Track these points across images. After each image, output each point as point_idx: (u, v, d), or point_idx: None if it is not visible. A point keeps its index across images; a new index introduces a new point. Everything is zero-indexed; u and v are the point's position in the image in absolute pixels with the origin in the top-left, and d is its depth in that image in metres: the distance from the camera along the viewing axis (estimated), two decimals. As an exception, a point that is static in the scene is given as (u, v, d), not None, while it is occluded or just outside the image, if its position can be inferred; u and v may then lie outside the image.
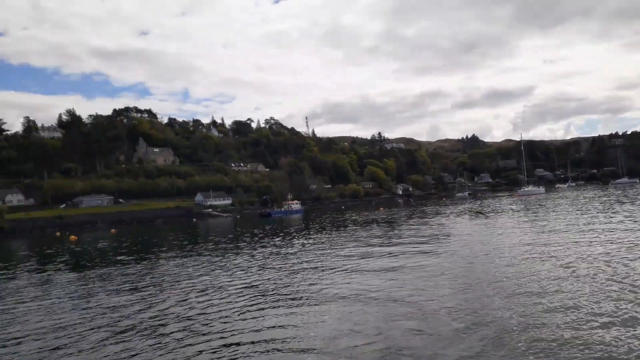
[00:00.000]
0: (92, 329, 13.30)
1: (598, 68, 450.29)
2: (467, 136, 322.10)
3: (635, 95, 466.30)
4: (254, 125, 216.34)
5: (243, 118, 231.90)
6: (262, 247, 33.43)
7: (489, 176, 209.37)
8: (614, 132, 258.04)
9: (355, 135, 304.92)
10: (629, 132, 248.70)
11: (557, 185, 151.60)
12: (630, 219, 32.31)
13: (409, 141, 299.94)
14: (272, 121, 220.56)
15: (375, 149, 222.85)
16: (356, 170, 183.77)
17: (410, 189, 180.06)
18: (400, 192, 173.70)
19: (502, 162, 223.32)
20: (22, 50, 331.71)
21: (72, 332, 13.15)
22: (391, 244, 28.37)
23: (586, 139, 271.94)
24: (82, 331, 13.11)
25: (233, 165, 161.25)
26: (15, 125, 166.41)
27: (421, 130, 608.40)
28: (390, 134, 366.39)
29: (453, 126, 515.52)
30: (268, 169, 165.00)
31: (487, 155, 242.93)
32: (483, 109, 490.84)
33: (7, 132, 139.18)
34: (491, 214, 49.82)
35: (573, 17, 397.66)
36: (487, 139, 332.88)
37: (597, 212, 40.33)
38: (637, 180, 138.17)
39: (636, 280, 13.84)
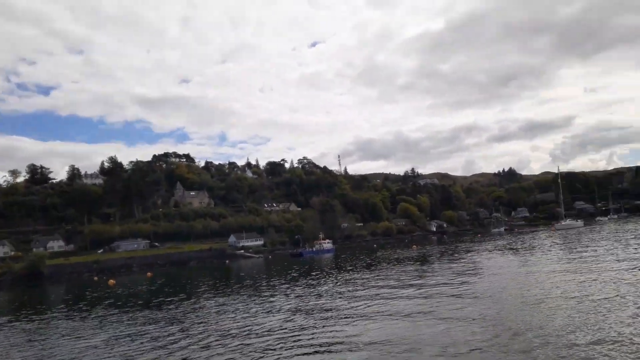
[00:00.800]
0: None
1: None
2: (503, 170, 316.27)
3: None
4: (287, 165, 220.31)
5: (277, 159, 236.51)
6: (290, 291, 33.88)
7: (527, 210, 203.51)
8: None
9: (388, 172, 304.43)
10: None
11: (598, 218, 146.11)
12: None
13: (443, 176, 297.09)
14: (304, 161, 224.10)
15: (408, 185, 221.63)
16: (388, 207, 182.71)
17: (445, 225, 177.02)
18: (434, 229, 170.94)
19: (539, 195, 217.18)
20: (71, 101, 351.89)
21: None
22: (422, 286, 28.40)
23: (630, 169, 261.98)
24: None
25: (266, 205, 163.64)
26: (60, 174, 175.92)
27: (456, 165, 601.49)
28: (424, 169, 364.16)
29: (489, 160, 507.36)
30: (300, 209, 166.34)
31: (524, 188, 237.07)
32: (520, 142, 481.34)
33: (52, 180, 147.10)
34: (524, 250, 48.82)
35: (615, 45, 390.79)
36: (524, 172, 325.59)
37: (631, 247, 38.98)
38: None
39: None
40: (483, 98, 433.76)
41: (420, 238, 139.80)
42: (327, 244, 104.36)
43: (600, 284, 21.25)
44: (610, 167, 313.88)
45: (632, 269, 25.46)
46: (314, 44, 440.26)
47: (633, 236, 53.52)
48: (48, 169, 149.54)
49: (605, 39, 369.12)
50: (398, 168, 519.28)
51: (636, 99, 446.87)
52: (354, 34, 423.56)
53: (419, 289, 26.31)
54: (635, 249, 37.74)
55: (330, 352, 14.32)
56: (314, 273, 46.26)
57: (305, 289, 32.71)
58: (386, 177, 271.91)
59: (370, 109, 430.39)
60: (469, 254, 51.27)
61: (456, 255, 52.35)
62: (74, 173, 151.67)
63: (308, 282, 37.02)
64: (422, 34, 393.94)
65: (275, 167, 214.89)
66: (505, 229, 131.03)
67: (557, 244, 55.07)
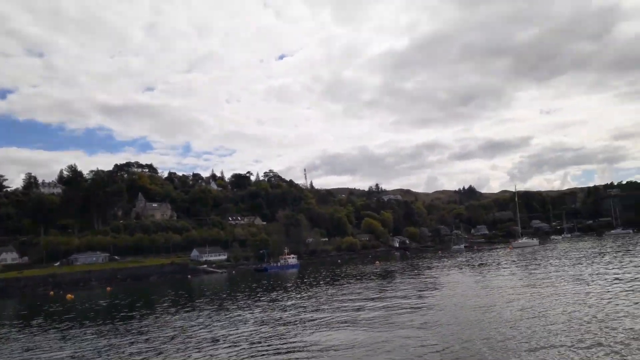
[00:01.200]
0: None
1: (594, 118, 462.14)
2: (464, 187, 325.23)
3: (631, 144, 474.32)
4: (253, 178, 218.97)
5: (243, 171, 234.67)
6: (255, 305, 34.23)
7: (486, 228, 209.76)
8: (609, 182, 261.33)
9: (353, 187, 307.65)
10: (624, 182, 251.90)
11: (552, 237, 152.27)
12: (610, 271, 33.47)
13: (406, 192, 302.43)
14: (271, 174, 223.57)
15: (372, 201, 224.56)
16: (353, 222, 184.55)
17: (407, 241, 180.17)
18: (397, 245, 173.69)
19: (498, 213, 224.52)
20: (29, 106, 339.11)
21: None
22: (383, 299, 29.39)
23: (582, 189, 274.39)
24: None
25: (230, 219, 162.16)
26: (16, 182, 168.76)
27: (419, 182, 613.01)
28: (388, 185, 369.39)
29: (450, 177, 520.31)
30: (265, 222, 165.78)
31: (484, 206, 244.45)
32: (480, 160, 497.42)
33: (7, 189, 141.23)
34: (482, 267, 50.82)
35: (568, 70, 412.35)
36: (484, 190, 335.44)
37: (581, 265, 41.43)
38: (631, 231, 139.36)
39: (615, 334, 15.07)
40: (445, 116, 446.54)
41: (384, 254, 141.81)
42: (292, 259, 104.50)
43: (548, 299, 22.76)
44: (565, 187, 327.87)
45: (578, 285, 27.28)
46: (281, 57, 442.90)
47: (583, 255, 56.59)
48: (2, 176, 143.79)
49: (559, 64, 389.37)
50: (363, 183, 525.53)
51: (588, 122, 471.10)
52: (321, 49, 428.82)
53: (380, 302, 27.29)
54: (585, 267, 40.11)
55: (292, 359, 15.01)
56: (278, 288, 46.63)
57: (270, 303, 33.16)
58: (351, 192, 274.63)
59: (337, 124, 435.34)
60: (430, 271, 52.89)
61: (417, 271, 53.86)
62: (31, 181, 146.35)
63: (272, 297, 37.44)
64: (387, 51, 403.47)
65: (240, 180, 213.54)
66: (465, 246, 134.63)
67: (513, 261, 57.52)
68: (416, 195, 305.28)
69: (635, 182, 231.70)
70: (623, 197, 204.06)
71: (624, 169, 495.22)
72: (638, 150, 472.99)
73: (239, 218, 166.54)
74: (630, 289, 23.99)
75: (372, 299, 29.55)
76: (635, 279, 27.89)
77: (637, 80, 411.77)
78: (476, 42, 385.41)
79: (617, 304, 19.92)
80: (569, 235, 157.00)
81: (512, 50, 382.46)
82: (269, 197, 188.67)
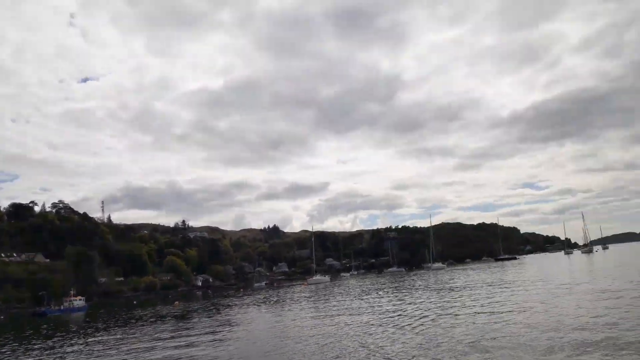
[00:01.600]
0: None
1: (379, 170, 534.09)
2: (269, 226, 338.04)
3: (407, 194, 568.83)
4: (37, 208, 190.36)
5: (25, 200, 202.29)
6: (25, 355, 30.49)
7: (286, 265, 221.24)
8: (389, 226, 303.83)
9: (158, 223, 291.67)
10: (400, 226, 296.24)
11: (342, 274, 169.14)
12: (380, 303, 39.74)
13: (213, 230, 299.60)
14: (60, 204, 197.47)
15: (177, 238, 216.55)
16: (155, 260, 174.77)
17: (210, 280, 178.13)
18: (200, 284, 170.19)
19: (298, 251, 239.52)
20: None
21: None
22: (175, 338, 29.35)
23: (368, 231, 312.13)
24: None
25: (2, 255, 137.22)
26: None
27: (227, 219, 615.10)
28: (196, 222, 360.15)
29: (257, 216, 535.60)
30: (49, 260, 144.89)
31: (286, 244, 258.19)
32: (285, 201, 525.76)
33: None
34: (278, 304, 54.18)
35: (361, 126, 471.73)
36: (286, 229, 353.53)
37: (359, 299, 47.98)
38: (403, 270, 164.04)
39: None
40: (255, 158, 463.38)
41: (185, 293, 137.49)
42: (79, 301, 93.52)
43: (326, 328, 26.18)
44: (354, 229, 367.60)
45: (353, 316, 31.83)
46: (85, 80, 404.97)
47: (362, 290, 64.87)
48: None
49: (354, 120, 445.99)
50: (169, 219, 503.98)
51: (375, 173, 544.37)
52: (132, 77, 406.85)
53: (172, 341, 27.31)
54: (360, 300, 46.39)
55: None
56: (58, 334, 41.84)
57: (45, 351, 29.88)
58: (155, 228, 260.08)
59: (144, 156, 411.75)
60: (229, 309, 54.01)
61: (216, 309, 54.41)
62: None
63: (49, 345, 33.67)
64: (202, 89, 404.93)
65: (20, 210, 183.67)
66: (266, 283, 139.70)
67: (305, 297, 62.63)
68: (224, 233, 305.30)
69: (408, 227, 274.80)
70: (399, 239, 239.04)
71: (401, 214, 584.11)
72: (411, 200, 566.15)
73: (14, 254, 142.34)
74: (390, 320, 29.06)
75: (164, 339, 29.29)
76: (393, 312, 33.72)
77: (413, 140, 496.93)
78: (285, 93, 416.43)
79: (380, 332, 24.21)
80: (356, 273, 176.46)
81: (317, 103, 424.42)
82: (56, 231, 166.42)
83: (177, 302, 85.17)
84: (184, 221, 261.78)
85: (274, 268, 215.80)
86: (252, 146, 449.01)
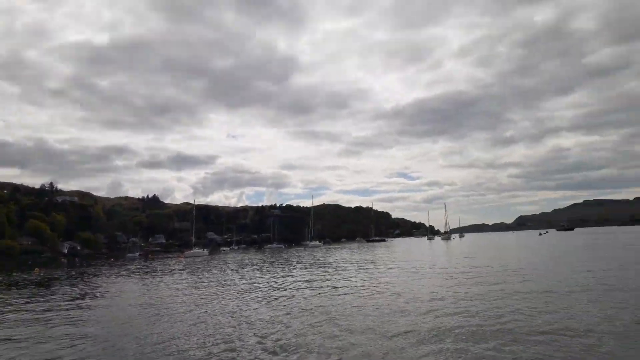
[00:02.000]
0: None
1: (269, 148, 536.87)
2: (148, 196, 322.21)
3: (293, 174, 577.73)
4: None
5: None
6: None
7: (164, 237, 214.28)
8: (274, 204, 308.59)
9: (21, 182, 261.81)
10: (284, 205, 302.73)
11: (222, 249, 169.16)
12: (251, 277, 41.53)
13: (85, 195, 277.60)
14: None
15: (43, 200, 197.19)
16: (15, 222, 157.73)
17: (79, 247, 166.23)
18: (66, 251, 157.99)
19: (178, 223, 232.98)
20: None
21: None
22: (34, 311, 28.13)
23: (252, 208, 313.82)
24: None
25: None
26: None
27: (101, 185, 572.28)
28: (66, 185, 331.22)
29: (136, 184, 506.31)
30: None
31: (165, 216, 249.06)
32: (168, 171, 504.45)
33: None
34: (150, 275, 53.37)
35: (254, 103, 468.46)
36: (168, 200, 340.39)
37: (233, 272, 49.40)
38: (283, 247, 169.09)
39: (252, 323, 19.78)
40: (138, 123, 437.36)
41: (50, 260, 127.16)
42: None
43: (200, 300, 27.13)
44: (239, 205, 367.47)
45: (222, 288, 33.08)
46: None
47: (238, 265, 66.32)
48: None
49: (247, 96, 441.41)
50: (34, 180, 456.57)
51: (264, 151, 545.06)
52: (0, 19, 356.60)
53: (29, 314, 26.21)
54: (238, 273, 47.77)
55: None
56: None
57: None
58: (17, 189, 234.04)
59: (10, 108, 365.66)
60: (95, 278, 51.97)
61: (82, 278, 51.99)
62: None
63: None
64: (84, 42, 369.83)
65: None
66: (140, 254, 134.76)
67: (179, 269, 62.34)
68: (97, 199, 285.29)
69: (291, 206, 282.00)
70: (282, 217, 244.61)
71: (286, 193, 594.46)
72: (297, 180, 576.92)
73: None
74: (257, 293, 30.90)
75: (19, 311, 27.92)
76: (262, 285, 35.71)
77: (303, 122, 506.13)
78: (177, 58, 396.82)
79: (245, 303, 25.81)
80: (236, 247, 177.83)
81: (210, 74, 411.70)
82: None
83: (37, 269, 79.02)
84: (51, 183, 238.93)
85: (151, 239, 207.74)
86: (136, 110, 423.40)
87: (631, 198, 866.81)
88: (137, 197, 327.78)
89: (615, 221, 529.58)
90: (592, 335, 14.28)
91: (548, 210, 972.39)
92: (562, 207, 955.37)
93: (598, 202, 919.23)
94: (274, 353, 14.18)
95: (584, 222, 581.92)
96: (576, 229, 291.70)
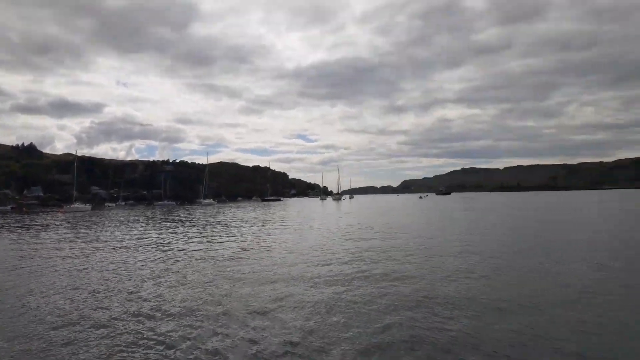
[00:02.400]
0: None
1: (164, 100, 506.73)
2: (23, 144, 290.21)
3: (189, 129, 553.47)
4: None
5: None
6: None
7: (42, 190, 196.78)
8: (167, 159, 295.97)
9: None
10: (178, 160, 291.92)
11: (107, 204, 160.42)
12: (135, 235, 41.03)
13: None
14: None
15: None
16: None
17: None
18: None
19: (58, 176, 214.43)
20: None
21: None
22: None
23: (143, 162, 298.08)
24: None
25: None
26: None
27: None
28: None
29: (9, 130, 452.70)
30: None
31: (44, 166, 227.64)
32: (48, 118, 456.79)
33: None
34: (23, 230, 49.99)
35: (149, 50, 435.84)
36: (46, 150, 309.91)
37: (116, 229, 48.20)
38: (175, 204, 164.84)
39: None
40: (13, 61, 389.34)
41: None
42: None
43: (77, 260, 26.62)
44: (128, 158, 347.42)
45: (95, 244, 32.56)
46: None
47: (122, 221, 64.32)
48: None
49: (142, 42, 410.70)
50: None
51: (158, 103, 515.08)
52: None
53: None
54: (119, 229, 46.62)
55: None
56: None
57: None
58: None
59: None
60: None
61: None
62: None
63: None
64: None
65: None
66: (12, 207, 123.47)
67: (57, 225, 58.95)
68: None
69: (186, 162, 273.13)
70: (175, 173, 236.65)
71: (181, 149, 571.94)
72: (193, 135, 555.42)
73: None
74: (138, 250, 30.99)
75: None
76: (145, 242, 35.71)
77: (202, 75, 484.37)
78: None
79: (127, 261, 25.95)
80: (123, 203, 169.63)
81: (100, 13, 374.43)
82: None
83: None
84: None
85: (26, 192, 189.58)
86: (11, 46, 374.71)
87: (501, 167, 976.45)
88: (10, 144, 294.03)
89: (488, 187, 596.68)
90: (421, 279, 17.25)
91: (430, 175, 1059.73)
92: (443, 174, 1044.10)
93: (474, 170, 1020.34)
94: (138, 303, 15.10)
95: (462, 188, 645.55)
96: (453, 194, 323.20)
